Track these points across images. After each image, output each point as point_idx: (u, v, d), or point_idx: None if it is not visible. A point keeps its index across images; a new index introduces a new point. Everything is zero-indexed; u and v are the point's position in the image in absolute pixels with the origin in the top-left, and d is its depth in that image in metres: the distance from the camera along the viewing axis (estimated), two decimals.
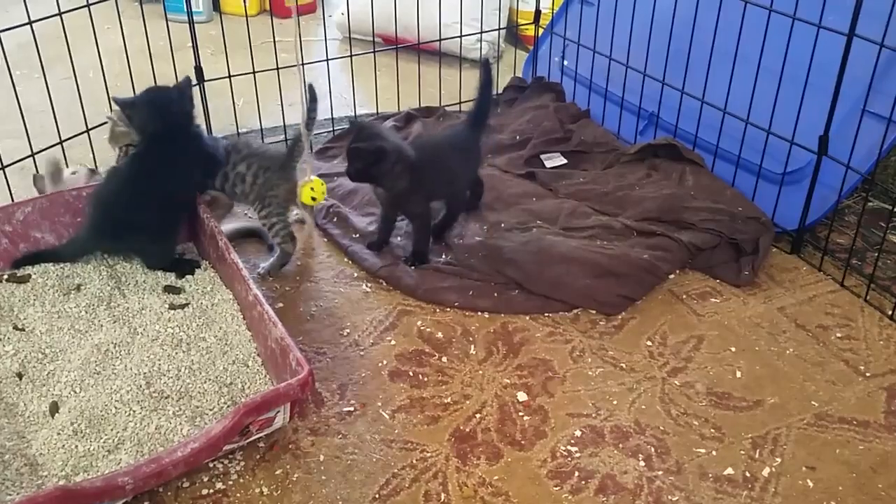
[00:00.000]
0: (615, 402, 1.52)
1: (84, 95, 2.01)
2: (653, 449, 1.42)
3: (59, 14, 1.91)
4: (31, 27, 1.84)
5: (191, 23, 2.18)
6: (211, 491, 1.33)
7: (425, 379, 1.57)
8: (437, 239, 1.92)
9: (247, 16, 2.49)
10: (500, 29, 2.92)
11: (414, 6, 2.43)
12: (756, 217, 1.95)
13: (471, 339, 1.67)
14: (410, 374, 1.58)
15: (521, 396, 1.53)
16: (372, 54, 2.45)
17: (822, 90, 1.79)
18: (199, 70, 2.21)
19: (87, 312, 1.63)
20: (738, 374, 1.59)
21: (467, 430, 1.45)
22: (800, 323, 1.73)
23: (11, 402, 1.43)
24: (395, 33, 2.51)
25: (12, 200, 1.88)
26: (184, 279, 1.72)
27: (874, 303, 1.78)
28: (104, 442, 1.34)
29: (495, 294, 1.78)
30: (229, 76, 2.23)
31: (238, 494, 1.32)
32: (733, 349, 1.65)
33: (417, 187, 1.78)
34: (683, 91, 2.14)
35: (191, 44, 2.18)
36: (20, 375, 1.48)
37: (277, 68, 2.24)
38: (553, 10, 2.66)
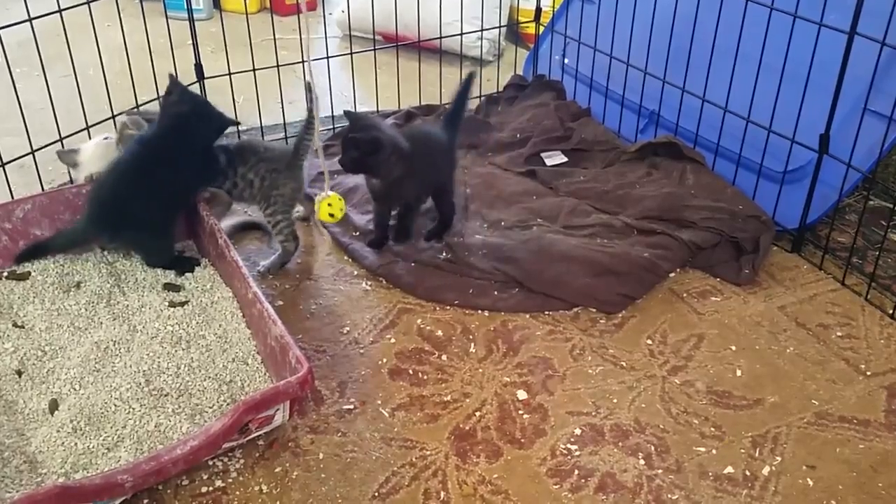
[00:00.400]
0: (615, 401, 1.52)
1: (84, 93, 2.01)
2: (653, 447, 1.42)
3: (60, 11, 1.91)
4: (31, 24, 1.83)
5: (191, 20, 2.17)
6: (210, 489, 1.33)
7: (425, 377, 1.56)
8: (437, 239, 1.91)
9: (247, 13, 2.48)
10: (500, 27, 2.92)
11: (414, 4, 2.42)
12: (757, 216, 1.94)
13: (471, 337, 1.67)
14: (410, 372, 1.58)
15: (521, 395, 1.53)
16: (372, 52, 2.45)
17: (824, 88, 1.79)
18: (199, 67, 2.21)
19: (86, 310, 1.62)
20: (739, 373, 1.59)
21: (467, 428, 1.45)
22: (800, 322, 1.73)
23: (11, 400, 1.43)
24: (395, 31, 2.51)
25: (12, 198, 1.88)
26: (183, 277, 1.72)
27: (875, 302, 1.78)
28: (104, 439, 1.34)
29: (495, 292, 1.78)
30: (229, 74, 2.23)
31: (237, 492, 1.32)
32: (734, 348, 1.65)
33: (410, 175, 1.79)
34: (684, 89, 2.14)
35: (191, 41, 2.18)
36: (20, 373, 1.48)
37: (278, 66, 2.24)
38: (554, 7, 2.66)
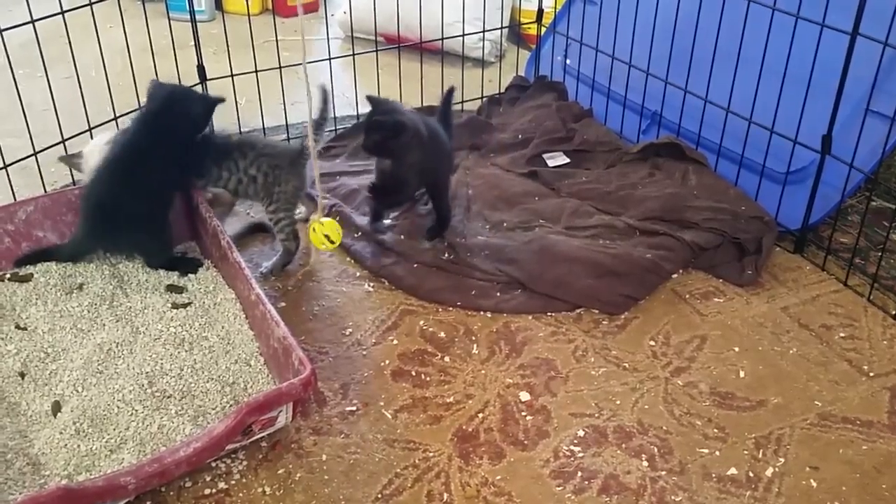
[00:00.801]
0: (618, 402, 1.52)
1: (86, 94, 2.01)
2: (656, 449, 1.42)
3: (62, 13, 1.91)
4: (34, 26, 1.83)
5: (193, 21, 2.18)
6: (213, 490, 1.33)
7: (428, 379, 1.56)
8: (439, 239, 1.91)
9: (249, 15, 2.48)
10: (502, 28, 2.91)
11: (416, 5, 2.42)
12: (759, 216, 1.94)
13: (473, 338, 1.67)
14: (413, 373, 1.58)
15: (524, 396, 1.53)
16: (374, 53, 2.45)
17: (826, 89, 1.78)
18: (201, 69, 2.21)
19: (89, 312, 1.62)
20: (742, 374, 1.59)
21: (470, 429, 1.45)
22: (803, 323, 1.72)
23: (14, 402, 1.43)
24: (397, 32, 2.51)
25: (14, 199, 1.88)
26: (186, 278, 1.72)
27: (878, 302, 1.78)
28: (106, 441, 1.34)
29: (498, 293, 1.78)
30: (231, 75, 2.23)
31: (240, 494, 1.32)
32: (736, 349, 1.65)
33: (423, 162, 1.82)
34: (686, 90, 2.13)
35: (193, 43, 2.18)
36: (22, 375, 1.48)
37: (280, 67, 2.24)
38: (555, 8, 2.66)
